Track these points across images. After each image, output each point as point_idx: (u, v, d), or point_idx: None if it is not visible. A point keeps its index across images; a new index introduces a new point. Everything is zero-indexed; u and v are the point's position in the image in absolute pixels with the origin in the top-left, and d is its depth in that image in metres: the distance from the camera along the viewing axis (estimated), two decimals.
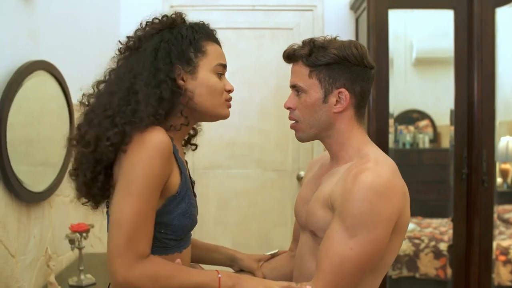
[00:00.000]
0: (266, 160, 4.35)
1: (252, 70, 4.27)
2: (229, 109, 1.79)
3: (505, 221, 4.13)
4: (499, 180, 4.15)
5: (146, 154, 1.46)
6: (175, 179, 1.58)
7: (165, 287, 1.48)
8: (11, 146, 2.36)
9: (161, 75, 1.59)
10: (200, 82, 1.64)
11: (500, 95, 3.59)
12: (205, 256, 2.01)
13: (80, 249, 2.70)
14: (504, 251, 3.86)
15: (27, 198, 2.53)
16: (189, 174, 1.77)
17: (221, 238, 4.36)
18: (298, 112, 1.67)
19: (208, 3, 4.28)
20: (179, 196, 1.59)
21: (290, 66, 1.71)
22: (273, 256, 2.02)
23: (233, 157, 4.35)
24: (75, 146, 1.61)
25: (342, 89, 1.61)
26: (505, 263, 3.85)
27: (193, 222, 1.69)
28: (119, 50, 1.76)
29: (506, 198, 4.30)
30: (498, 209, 3.86)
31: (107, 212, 1.62)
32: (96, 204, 1.67)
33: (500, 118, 3.66)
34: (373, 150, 1.62)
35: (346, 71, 1.61)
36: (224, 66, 1.72)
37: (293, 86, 1.68)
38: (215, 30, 1.80)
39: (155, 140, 1.47)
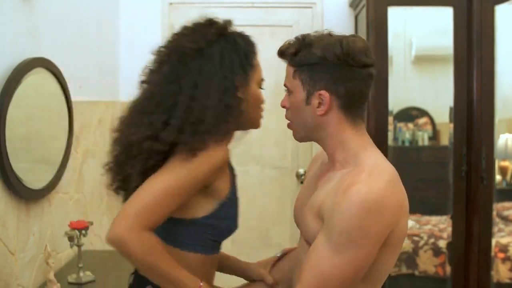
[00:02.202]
0: (266, 157, 4.34)
1: None
2: None
3: (504, 219, 4.13)
4: (498, 177, 4.16)
5: (207, 166, 1.57)
6: (225, 185, 1.67)
7: (149, 265, 1.52)
8: (10, 143, 2.35)
9: (228, 83, 1.63)
10: (250, 94, 1.72)
11: (499, 92, 3.59)
12: (220, 262, 2.01)
13: (79, 246, 2.70)
14: (503, 249, 3.86)
15: (26, 196, 2.53)
16: None
17: None
18: (290, 112, 1.64)
19: (207, 0, 4.28)
20: (230, 202, 1.69)
21: None
22: (280, 258, 2.00)
23: (232, 154, 4.34)
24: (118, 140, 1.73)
25: (322, 91, 1.52)
26: (504, 260, 3.85)
27: (236, 227, 1.78)
28: (161, 52, 1.79)
29: (505, 196, 4.30)
30: (497, 206, 3.86)
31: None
32: (125, 197, 1.75)
33: (499, 116, 3.65)
34: (371, 156, 1.51)
35: (327, 72, 1.51)
36: (263, 81, 1.82)
37: (284, 85, 1.64)
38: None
39: (220, 156, 1.61)
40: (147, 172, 1.60)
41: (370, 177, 1.41)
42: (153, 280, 1.60)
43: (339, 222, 1.39)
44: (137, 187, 1.59)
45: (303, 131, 1.63)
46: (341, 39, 1.52)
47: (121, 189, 1.78)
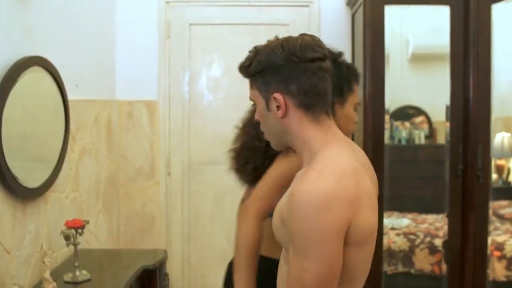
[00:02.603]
0: None
1: None
2: None
3: (500, 217, 4.14)
4: (494, 176, 4.17)
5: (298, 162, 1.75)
6: None
7: (236, 246, 2.08)
8: (6, 142, 2.35)
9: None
10: (344, 112, 2.15)
11: (496, 91, 3.59)
12: None
13: (75, 245, 2.69)
14: (499, 247, 3.87)
15: (22, 194, 2.53)
16: None
17: (216, 234, 4.36)
18: (261, 123, 1.64)
19: None
20: None
21: None
22: None
23: (228, 152, 4.34)
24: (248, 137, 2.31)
25: (276, 94, 1.52)
26: (500, 258, 3.86)
27: None
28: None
29: (501, 194, 4.31)
30: (494, 204, 3.87)
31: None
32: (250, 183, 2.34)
33: (495, 114, 3.65)
34: (328, 154, 1.49)
35: (276, 74, 1.53)
36: (359, 104, 2.25)
37: (250, 99, 1.67)
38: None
39: None
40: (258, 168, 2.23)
41: (319, 176, 1.41)
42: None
43: (294, 227, 1.40)
44: (249, 176, 2.31)
45: (274, 138, 1.63)
46: (283, 40, 1.55)
47: (237, 173, 2.43)
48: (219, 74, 4.36)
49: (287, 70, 1.52)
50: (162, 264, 3.10)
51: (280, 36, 1.61)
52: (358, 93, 2.21)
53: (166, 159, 4.31)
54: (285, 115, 1.53)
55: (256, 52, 1.59)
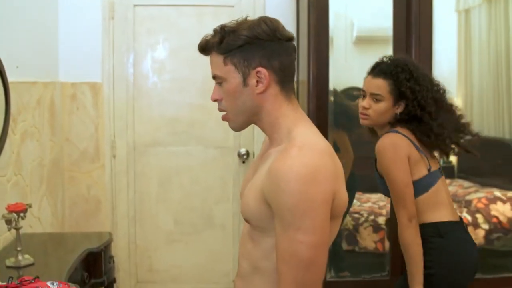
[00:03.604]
0: (208, 137, 4.35)
1: (193, 48, 4.17)
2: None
3: None
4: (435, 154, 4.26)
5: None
6: None
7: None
8: None
9: None
10: None
11: (437, 72, 3.66)
12: None
13: (17, 229, 2.66)
14: None
15: None
16: None
17: (163, 215, 4.36)
18: (224, 102, 1.65)
19: None
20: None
21: None
22: None
23: (174, 134, 4.34)
24: None
25: (259, 68, 1.56)
26: None
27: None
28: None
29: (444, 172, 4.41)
30: None
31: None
32: None
33: None
34: (303, 132, 1.56)
35: (260, 49, 1.56)
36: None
37: (214, 77, 1.66)
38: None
39: None
40: None
41: (300, 151, 1.46)
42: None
43: (283, 202, 1.42)
44: None
45: (243, 116, 1.64)
46: (263, 18, 1.59)
47: None
48: (164, 56, 4.33)
49: (272, 46, 1.57)
50: (107, 246, 3.09)
51: (230, 19, 1.66)
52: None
53: (111, 141, 4.26)
54: (263, 91, 1.58)
55: (225, 30, 1.60)
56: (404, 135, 2.51)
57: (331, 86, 3.66)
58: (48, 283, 2.11)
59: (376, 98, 2.58)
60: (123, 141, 4.29)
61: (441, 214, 2.53)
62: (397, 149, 2.47)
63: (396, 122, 2.57)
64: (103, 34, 4.20)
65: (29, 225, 3.22)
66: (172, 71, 4.33)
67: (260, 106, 1.60)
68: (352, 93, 4.65)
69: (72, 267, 2.66)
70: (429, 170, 2.54)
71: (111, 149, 4.27)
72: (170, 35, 4.31)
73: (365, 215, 4.14)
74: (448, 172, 4.57)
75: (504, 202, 4.23)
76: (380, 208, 4.17)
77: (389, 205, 3.78)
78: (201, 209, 4.38)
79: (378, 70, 2.62)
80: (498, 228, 4.14)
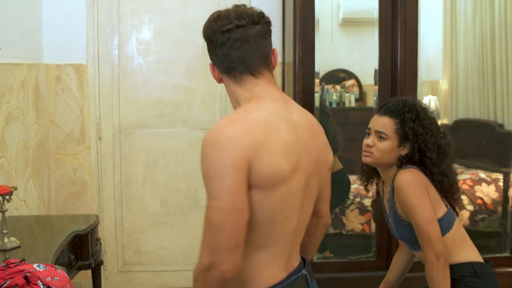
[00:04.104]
0: (193, 119, 4.34)
1: (178, 28, 4.22)
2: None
3: None
4: None
5: None
6: None
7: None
8: None
9: None
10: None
11: (423, 55, 3.67)
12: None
13: (3, 212, 2.65)
14: None
15: None
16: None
17: (149, 197, 4.35)
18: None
19: None
20: None
21: None
22: None
23: (160, 116, 4.33)
24: None
25: (210, 63, 1.79)
26: None
27: None
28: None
29: None
30: None
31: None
32: None
33: (422, 78, 3.75)
34: (244, 108, 1.69)
35: (210, 46, 1.75)
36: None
37: None
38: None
39: None
40: None
41: (227, 122, 1.59)
42: None
43: (201, 167, 1.55)
44: None
45: (232, 100, 1.80)
46: (217, 13, 1.75)
47: None
48: (149, 37, 4.30)
49: (209, 44, 1.75)
50: (93, 229, 3.09)
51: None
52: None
53: (97, 123, 4.24)
54: (219, 80, 1.79)
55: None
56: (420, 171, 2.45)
57: (317, 68, 3.65)
58: (35, 266, 2.10)
59: (381, 136, 2.48)
60: (109, 123, 4.27)
61: (473, 254, 2.45)
62: (419, 183, 2.39)
63: (404, 163, 2.48)
64: (87, 15, 4.16)
65: (15, 208, 3.21)
66: (157, 53, 4.30)
67: (228, 92, 1.79)
68: (338, 75, 4.66)
69: (59, 250, 2.66)
70: (446, 206, 2.48)
71: (97, 131, 4.25)
72: (155, 16, 4.28)
73: (351, 197, 4.16)
74: None
75: (488, 183, 4.27)
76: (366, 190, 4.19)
77: (375, 186, 3.80)
78: (187, 190, 4.38)
79: (385, 108, 2.53)
80: (482, 209, 4.19)
